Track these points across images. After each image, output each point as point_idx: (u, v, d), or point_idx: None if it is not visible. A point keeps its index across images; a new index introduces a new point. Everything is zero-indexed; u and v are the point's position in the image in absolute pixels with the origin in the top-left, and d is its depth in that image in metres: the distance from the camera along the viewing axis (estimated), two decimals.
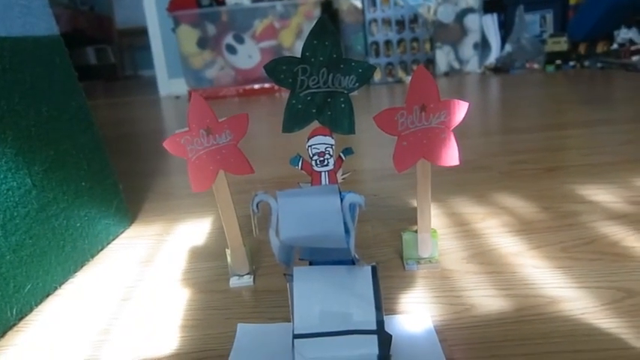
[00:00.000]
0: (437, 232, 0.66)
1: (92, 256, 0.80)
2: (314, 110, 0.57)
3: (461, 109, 0.60)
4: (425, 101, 0.59)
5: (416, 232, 0.66)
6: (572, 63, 3.18)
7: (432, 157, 0.62)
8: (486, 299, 0.57)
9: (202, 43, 3.21)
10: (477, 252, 0.69)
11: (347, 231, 0.38)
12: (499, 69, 3.32)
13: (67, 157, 0.79)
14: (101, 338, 0.57)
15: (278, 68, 0.55)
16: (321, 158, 0.45)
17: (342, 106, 0.57)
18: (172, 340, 0.55)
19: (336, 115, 0.57)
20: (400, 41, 3.22)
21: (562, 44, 3.28)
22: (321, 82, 0.56)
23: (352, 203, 0.37)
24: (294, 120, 0.57)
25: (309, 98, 0.56)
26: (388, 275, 0.64)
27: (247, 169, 0.63)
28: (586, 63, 3.15)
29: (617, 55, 2.95)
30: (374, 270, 0.40)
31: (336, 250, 0.39)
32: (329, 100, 0.57)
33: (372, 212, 0.88)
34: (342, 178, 0.51)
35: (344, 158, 0.49)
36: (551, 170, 1.04)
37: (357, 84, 0.56)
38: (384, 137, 0.61)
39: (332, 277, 0.40)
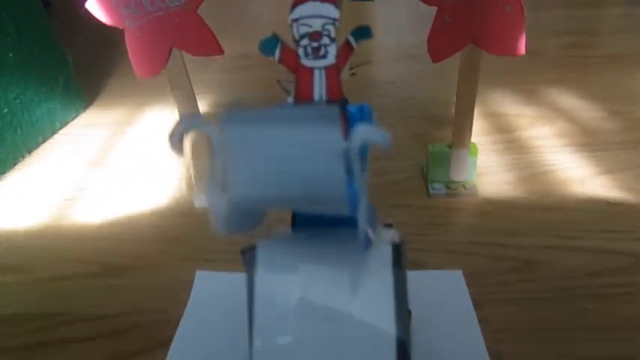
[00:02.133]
0: (477, 147, 0.48)
1: (29, 151, 0.63)
2: None
3: None
4: None
5: (448, 146, 0.48)
6: None
7: (486, 42, 0.41)
8: (545, 253, 0.40)
9: None
10: (526, 174, 0.51)
11: (350, 183, 0.20)
12: None
13: None
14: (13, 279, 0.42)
15: None
16: (315, 44, 0.25)
17: None
18: (113, 294, 0.40)
19: None
20: None
21: None
22: None
23: (366, 142, 0.19)
24: None
25: None
26: (406, 204, 0.48)
27: (213, 48, 0.43)
28: None
29: None
30: (397, 251, 0.23)
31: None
32: None
33: (389, 106, 0.69)
34: (351, 74, 0.32)
35: (355, 45, 0.28)
36: (615, 59, 0.82)
37: None
38: (408, 3, 0.40)
39: (321, 260, 0.23)
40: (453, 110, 0.45)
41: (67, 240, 0.46)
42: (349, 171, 0.20)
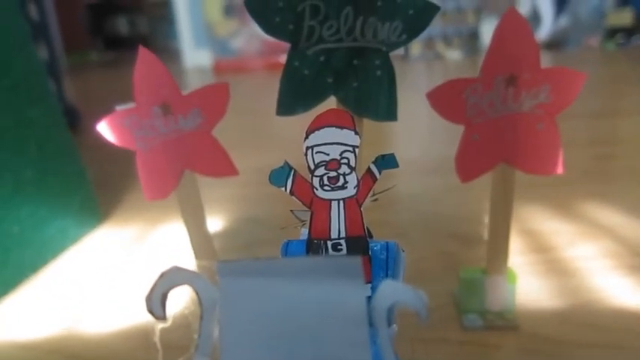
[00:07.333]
0: (515, 273, 0.43)
1: (34, 271, 0.60)
2: (330, 79, 0.34)
3: (574, 84, 0.37)
4: (515, 69, 0.36)
5: (482, 271, 0.43)
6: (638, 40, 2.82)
7: (519, 161, 0.38)
8: None
9: (229, 10, 2.99)
10: (574, 303, 0.46)
11: (373, 338, 0.16)
12: (552, 45, 2.99)
13: (6, 137, 0.59)
14: None
15: (270, 5, 0.33)
16: (333, 173, 0.23)
17: (378, 73, 0.34)
18: None
19: (368, 88, 0.34)
20: (442, 12, 2.91)
21: (626, 18, 2.93)
22: (343, 31, 0.33)
23: (395, 304, 0.15)
24: (296, 94, 0.34)
25: (322, 59, 0.34)
26: (438, 338, 0.42)
27: (227, 169, 0.41)
28: None
29: None
30: None
31: None
32: (356, 62, 0.34)
33: (411, 222, 0.66)
34: (373, 199, 0.29)
35: (378, 175, 0.26)
36: None
37: (404, 36, 0.33)
38: (432, 120, 0.38)
39: None
40: (482, 227, 0.41)
41: None
42: (371, 323, 0.16)
